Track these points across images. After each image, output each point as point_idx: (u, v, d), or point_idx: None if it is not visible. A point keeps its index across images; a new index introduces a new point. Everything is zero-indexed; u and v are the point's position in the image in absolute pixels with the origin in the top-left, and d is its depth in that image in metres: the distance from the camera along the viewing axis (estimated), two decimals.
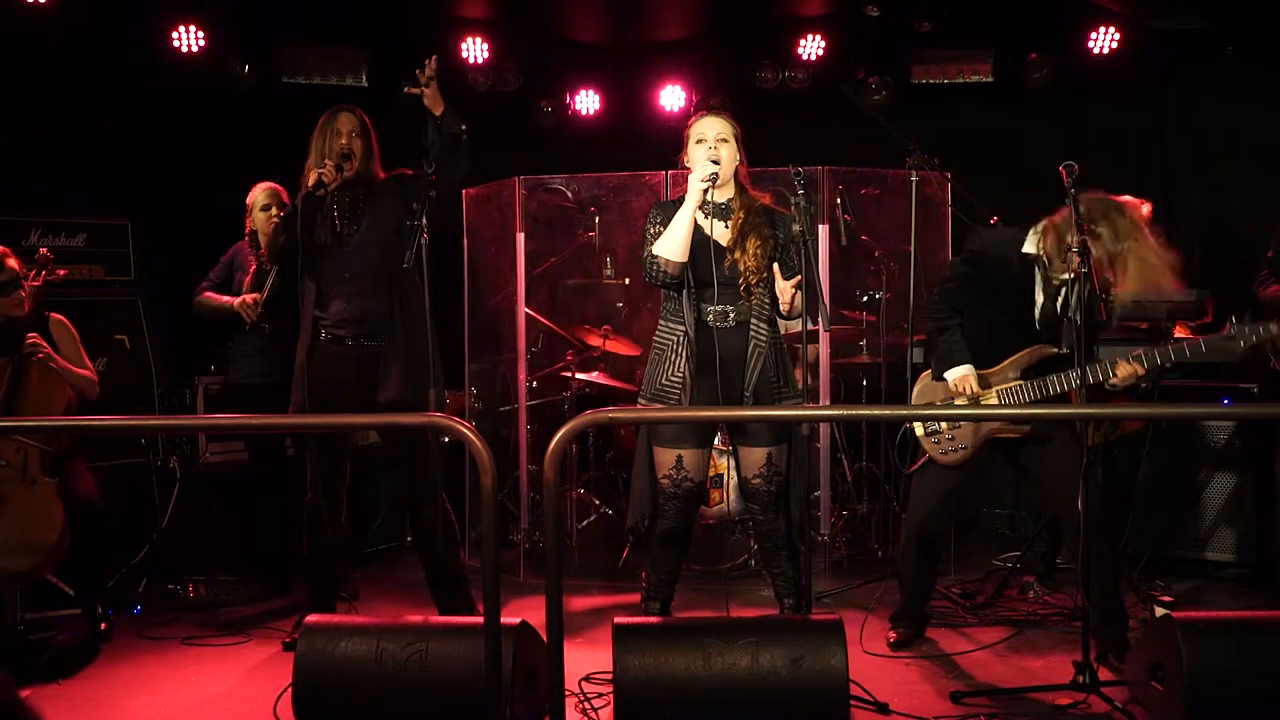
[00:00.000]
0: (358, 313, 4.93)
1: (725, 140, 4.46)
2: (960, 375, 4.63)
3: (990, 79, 7.75)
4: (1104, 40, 7.52)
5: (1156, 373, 4.88)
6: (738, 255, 4.42)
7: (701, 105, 4.61)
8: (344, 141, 4.92)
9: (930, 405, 4.79)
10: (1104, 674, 4.22)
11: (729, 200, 4.51)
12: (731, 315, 4.45)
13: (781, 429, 4.46)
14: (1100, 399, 4.60)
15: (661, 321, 4.57)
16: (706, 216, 4.44)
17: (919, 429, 4.75)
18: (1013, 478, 4.65)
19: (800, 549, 4.50)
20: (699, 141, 4.47)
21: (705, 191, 4.34)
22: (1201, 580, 5.80)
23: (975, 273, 4.73)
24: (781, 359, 4.52)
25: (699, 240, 4.40)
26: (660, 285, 4.49)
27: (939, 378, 4.73)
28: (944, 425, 4.70)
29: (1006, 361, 4.63)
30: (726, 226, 4.48)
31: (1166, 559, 5.87)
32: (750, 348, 4.44)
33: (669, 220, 4.41)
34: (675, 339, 4.47)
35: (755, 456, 4.48)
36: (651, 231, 4.49)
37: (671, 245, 4.37)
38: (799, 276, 4.26)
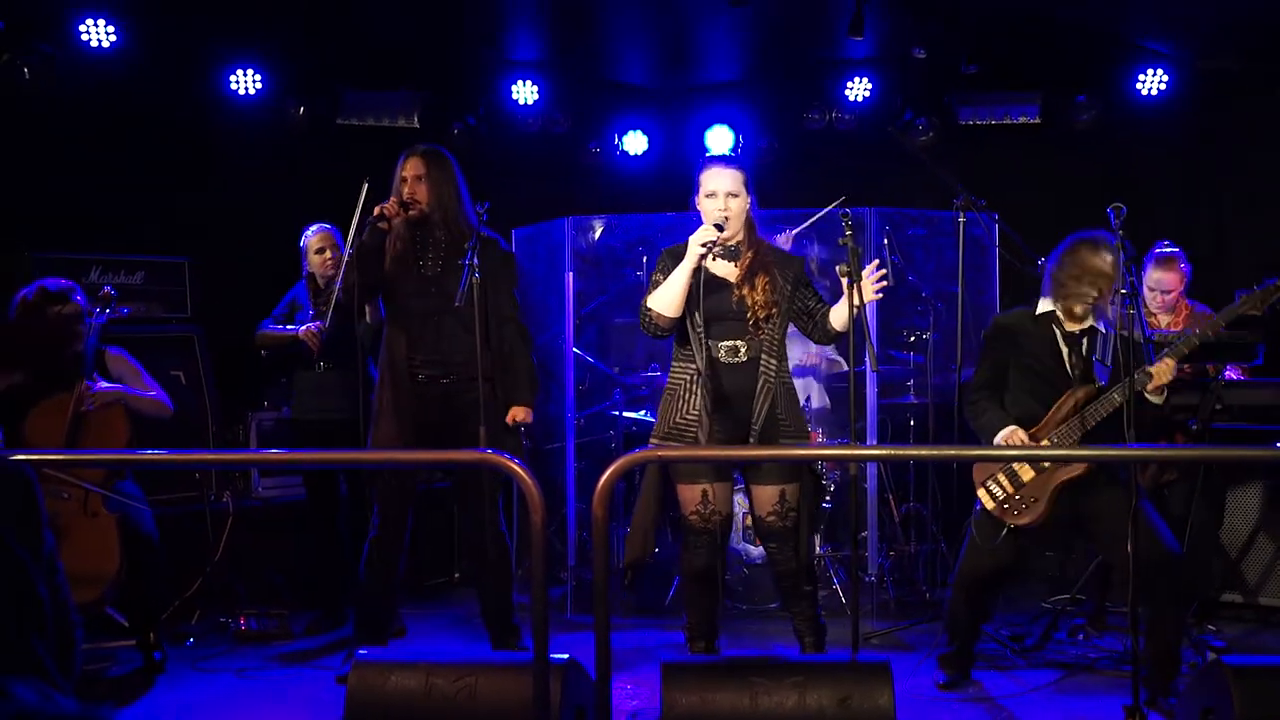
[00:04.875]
0: (446, 354, 4.96)
1: (735, 195, 4.45)
2: (1007, 432, 4.60)
3: (1037, 120, 7.76)
4: (1152, 81, 7.54)
5: (1200, 387, 5.10)
6: (746, 291, 4.42)
7: (710, 158, 4.61)
8: (408, 190, 4.96)
9: (1009, 474, 4.71)
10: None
11: (738, 243, 4.50)
12: (742, 350, 4.44)
13: (793, 467, 4.46)
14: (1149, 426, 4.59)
15: (674, 362, 4.58)
16: (714, 259, 4.42)
17: (989, 503, 4.67)
18: (1065, 519, 4.63)
19: (821, 590, 4.56)
20: (709, 195, 4.46)
21: (703, 255, 4.29)
22: (1254, 625, 5.73)
23: (1001, 350, 4.78)
24: (791, 399, 4.52)
25: (707, 279, 4.37)
26: (653, 336, 4.51)
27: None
28: (1010, 489, 4.65)
29: (1051, 411, 4.62)
30: (735, 265, 4.48)
31: (1218, 603, 5.80)
32: (760, 384, 4.43)
33: (670, 271, 4.42)
34: (689, 377, 4.47)
35: (768, 494, 4.47)
36: (655, 279, 4.50)
37: (666, 300, 4.38)
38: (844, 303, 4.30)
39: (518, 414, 5.07)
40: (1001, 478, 4.66)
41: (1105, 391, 4.53)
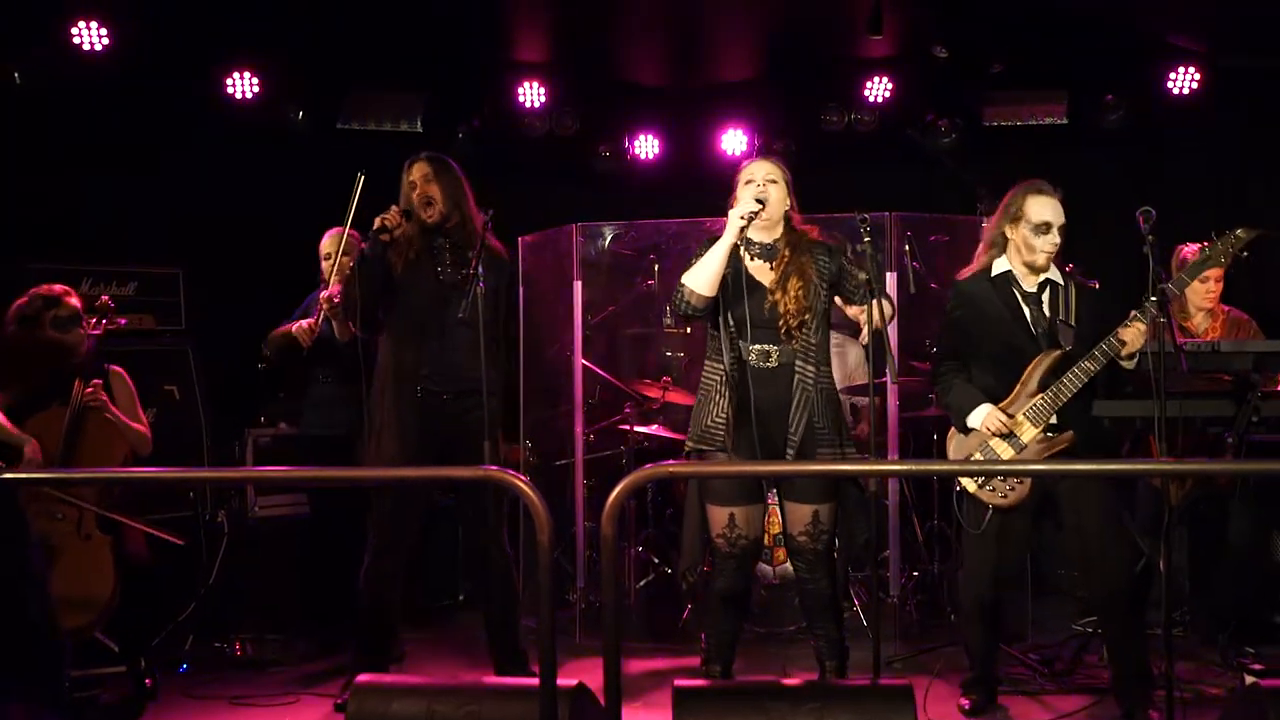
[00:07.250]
0: (454, 367, 4.88)
1: (774, 181, 4.44)
2: (985, 416, 4.55)
3: (1064, 121, 7.65)
4: (1183, 80, 7.43)
5: (1236, 397, 4.87)
6: (778, 296, 4.36)
7: (753, 152, 4.66)
8: (419, 192, 4.91)
9: (990, 458, 4.64)
10: None
11: (775, 241, 4.47)
12: (773, 356, 4.37)
13: (830, 485, 4.38)
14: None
15: (706, 361, 4.53)
16: (752, 258, 4.43)
17: (970, 485, 4.63)
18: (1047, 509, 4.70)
19: (845, 612, 4.57)
20: (748, 183, 4.45)
21: (743, 228, 4.28)
22: None
23: (963, 316, 4.72)
24: (832, 406, 4.42)
25: (741, 279, 4.36)
26: (685, 316, 4.44)
27: (964, 430, 4.66)
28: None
29: (1020, 382, 4.55)
30: (771, 268, 4.43)
31: (1259, 624, 5.63)
32: (798, 394, 4.33)
33: None
34: (718, 379, 4.42)
35: (801, 513, 4.41)
36: (692, 264, 4.46)
37: (701, 277, 4.32)
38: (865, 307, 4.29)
39: None
40: (979, 457, 4.62)
41: (1075, 359, 4.46)
